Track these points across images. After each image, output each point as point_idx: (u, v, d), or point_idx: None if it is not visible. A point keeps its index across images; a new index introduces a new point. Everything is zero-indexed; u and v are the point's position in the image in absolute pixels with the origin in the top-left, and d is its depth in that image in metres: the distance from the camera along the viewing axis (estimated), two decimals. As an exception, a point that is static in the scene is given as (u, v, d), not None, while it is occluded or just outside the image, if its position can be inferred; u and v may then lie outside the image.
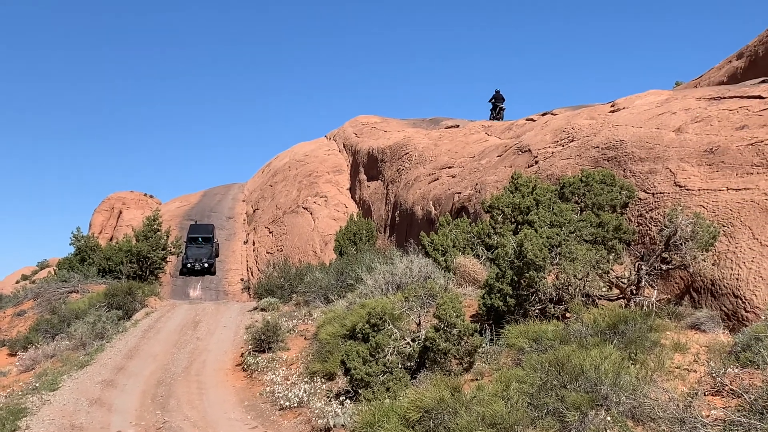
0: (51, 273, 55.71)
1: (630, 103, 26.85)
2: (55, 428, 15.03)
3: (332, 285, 27.42)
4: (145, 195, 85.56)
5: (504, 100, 51.25)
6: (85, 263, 44.61)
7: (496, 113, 51.16)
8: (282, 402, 16.65)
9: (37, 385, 19.76)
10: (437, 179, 40.37)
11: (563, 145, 27.34)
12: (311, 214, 56.29)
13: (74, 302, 33.83)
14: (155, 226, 45.36)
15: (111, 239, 67.11)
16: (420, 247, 24.16)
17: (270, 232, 59.33)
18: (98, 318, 28.30)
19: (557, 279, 14.75)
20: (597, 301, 14.71)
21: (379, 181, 52.09)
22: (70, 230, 63.18)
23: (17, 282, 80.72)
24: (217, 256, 51.63)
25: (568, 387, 10.29)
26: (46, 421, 15.51)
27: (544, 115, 37.36)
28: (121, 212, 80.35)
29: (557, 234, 15.75)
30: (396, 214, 45.47)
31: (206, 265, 48.97)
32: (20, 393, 19.16)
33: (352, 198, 57.41)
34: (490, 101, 51.98)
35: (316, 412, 14.76)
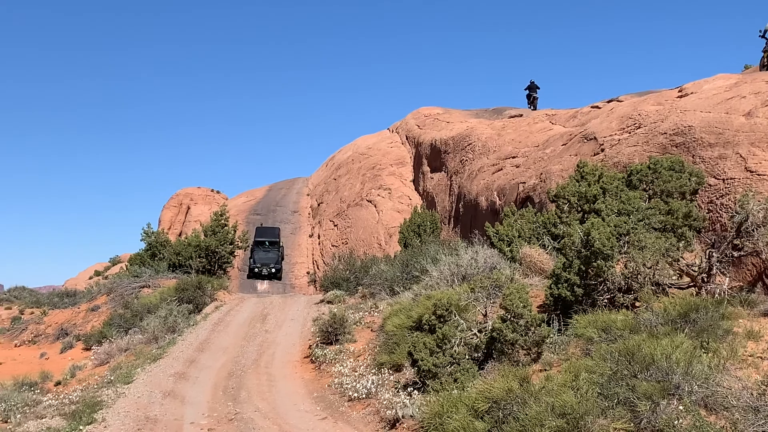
0: (123, 268, 56.83)
1: (698, 88, 26.32)
2: (131, 420, 15.32)
3: (397, 277, 27.45)
4: (212, 190, 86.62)
5: (538, 89, 53.27)
6: (156, 258, 45.40)
7: (531, 101, 53.44)
8: (350, 393, 16.74)
9: (112, 378, 20.15)
10: (501, 169, 40.10)
11: (630, 132, 26.94)
12: (375, 206, 56.38)
13: (146, 297, 34.45)
14: (222, 221, 45.95)
15: (180, 234, 68.15)
16: (485, 238, 24.07)
17: (335, 225, 59.60)
18: (170, 312, 28.78)
19: (626, 268, 14.55)
20: (667, 289, 14.48)
21: (443, 172, 51.94)
22: (141, 226, 64.28)
23: (90, 278, 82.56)
24: (282, 259, 51.63)
25: (639, 377, 10.16)
26: (122, 414, 15.81)
27: (609, 102, 36.84)
28: (189, 208, 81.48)
29: (625, 222, 15.55)
30: (460, 206, 45.31)
31: (273, 270, 48.95)
32: (96, 386, 19.57)
33: (415, 190, 57.34)
34: (525, 90, 54.22)
35: (385, 403, 14.81)
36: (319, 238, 61.01)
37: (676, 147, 22.29)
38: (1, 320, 51.29)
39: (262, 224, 57.51)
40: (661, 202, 17.56)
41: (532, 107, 53.05)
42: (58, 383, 24.28)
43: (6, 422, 17.71)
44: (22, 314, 51.52)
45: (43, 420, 15.98)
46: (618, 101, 35.50)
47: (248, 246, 49.04)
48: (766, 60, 35.18)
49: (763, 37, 32.27)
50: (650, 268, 14.21)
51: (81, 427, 14.44)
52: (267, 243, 50.04)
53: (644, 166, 19.75)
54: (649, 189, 18.91)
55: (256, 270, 48.14)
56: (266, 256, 49.13)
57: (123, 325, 29.98)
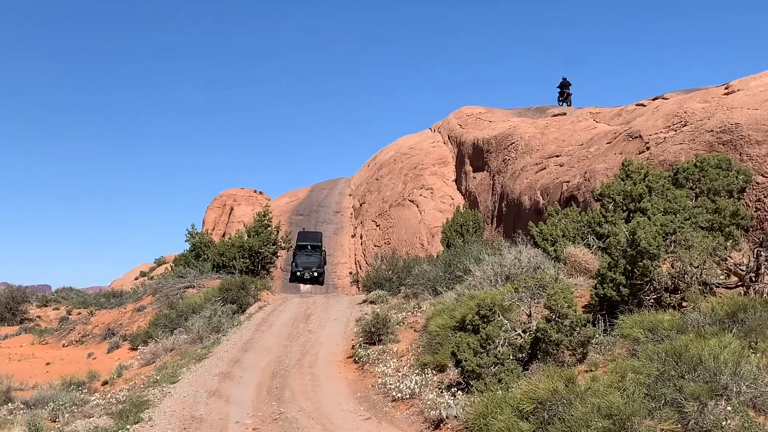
0: (168, 269, 57.46)
1: (745, 85, 25.95)
2: (177, 420, 15.46)
3: (440, 277, 27.39)
4: (255, 191, 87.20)
5: (570, 85, 54.28)
6: (200, 259, 45.79)
7: (564, 98, 54.42)
8: (394, 393, 16.73)
9: (158, 378, 20.35)
10: (544, 168, 39.89)
11: (676, 130, 26.64)
12: (417, 206, 56.36)
13: (191, 297, 34.77)
14: (265, 221, 46.23)
15: (223, 235, 68.66)
16: (528, 238, 23.92)
17: (377, 226, 59.68)
18: (214, 312, 29.00)
19: (672, 267, 14.38)
20: (714, 289, 14.28)
21: (485, 171, 51.77)
22: (185, 227, 64.98)
23: (136, 278, 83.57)
24: (324, 264, 51.60)
25: (686, 377, 10.03)
26: (168, 413, 15.96)
27: (654, 99, 36.42)
28: (232, 209, 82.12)
29: (671, 221, 15.37)
30: (503, 205, 45.14)
31: (315, 273, 48.83)
32: (142, 386, 19.78)
33: (457, 189, 57.21)
34: (557, 87, 55.15)
35: (429, 403, 14.78)
36: (361, 238, 61.14)
37: (723, 145, 22.01)
38: (49, 320, 52.14)
39: (304, 229, 57.59)
40: (708, 200, 17.35)
41: (567, 104, 54.00)
42: (105, 383, 24.58)
43: (54, 421, 17.96)
44: (70, 315, 52.32)
45: (91, 419, 16.18)
46: (663, 99, 35.08)
47: (291, 247, 49.21)
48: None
49: None
50: (697, 267, 14.03)
51: (128, 427, 14.60)
52: (309, 247, 50.13)
53: (691, 164, 19.52)
54: (696, 187, 18.69)
55: (299, 274, 48.16)
56: (308, 260, 49.17)
57: (168, 325, 30.26)
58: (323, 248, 52.69)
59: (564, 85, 54.61)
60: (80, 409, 18.49)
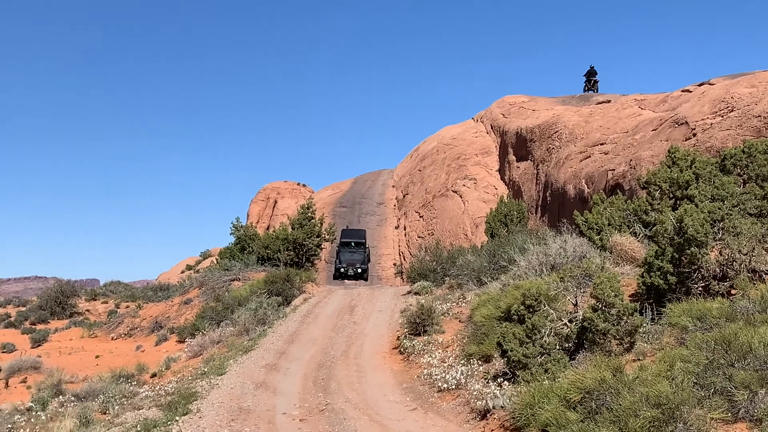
0: (214, 262, 58.01)
1: (793, 68, 25.45)
2: (224, 411, 15.59)
3: (485, 267, 27.30)
4: (298, 184, 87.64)
5: (597, 74, 57.06)
6: (245, 252, 46.13)
7: (591, 85, 57.72)
8: (440, 384, 16.72)
9: (206, 369, 20.54)
10: (589, 156, 39.56)
11: (723, 116, 26.27)
12: (461, 197, 56.22)
13: (236, 290, 35.05)
14: (309, 214, 46.39)
15: (267, 228, 69.18)
16: (573, 227, 23.76)
17: (420, 216, 59.65)
18: (259, 304, 29.19)
19: (720, 255, 14.19)
20: (764, 276, 14.07)
21: (529, 161, 51.49)
22: (230, 221, 65.48)
23: (182, 272, 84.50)
24: (368, 261, 50.96)
25: (736, 366, 9.89)
26: (216, 404, 16.10)
27: (700, 85, 35.92)
28: (276, 202, 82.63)
29: (719, 208, 15.16)
30: (547, 194, 44.87)
31: (359, 270, 48.07)
32: (190, 378, 19.98)
33: (501, 179, 56.98)
34: (584, 75, 58.19)
35: (475, 393, 14.74)
36: (405, 229, 61.16)
37: (772, 130, 21.64)
38: (98, 314, 52.94)
39: (348, 226, 57.38)
40: (757, 186, 17.08)
41: (594, 91, 56.94)
42: (153, 375, 24.88)
43: (105, 413, 18.22)
44: (118, 308, 53.08)
45: (140, 411, 16.37)
46: (710, 84, 34.59)
47: (334, 239, 49.31)
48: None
49: None
50: (746, 254, 13.83)
51: (177, 418, 14.74)
52: (353, 244, 49.64)
53: (738, 150, 19.24)
54: (744, 173, 18.42)
55: (342, 270, 47.65)
56: (352, 257, 48.63)
57: (215, 318, 30.54)
58: (367, 246, 52.08)
59: (591, 74, 57.28)
60: (130, 401, 18.73)
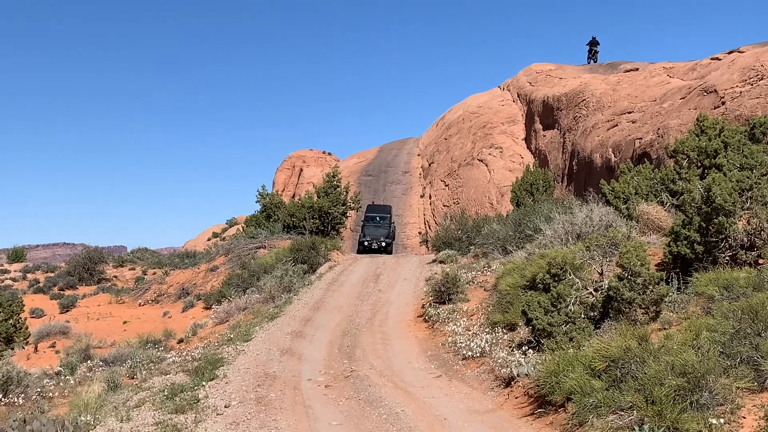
0: (240, 230, 58.30)
1: (826, 36, 25.05)
2: (250, 377, 15.73)
3: (510, 236, 27.25)
4: (324, 152, 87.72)
5: (598, 44, 59.93)
6: (271, 220, 46.28)
7: (591, 55, 59.95)
8: (464, 352, 16.77)
9: (232, 336, 20.70)
10: (616, 125, 39.25)
11: (752, 84, 25.94)
12: (486, 165, 56.03)
13: (262, 257, 35.22)
14: (334, 182, 46.41)
15: (293, 196, 69.34)
16: (600, 196, 23.61)
17: (446, 185, 59.54)
18: (285, 272, 29.33)
19: (749, 224, 14.07)
20: (793, 246, 13.94)
21: (555, 129, 51.17)
22: (256, 189, 65.71)
23: (209, 239, 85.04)
24: (393, 239, 49.55)
25: (763, 335, 9.85)
26: (242, 370, 16.25)
27: (730, 53, 35.41)
28: (301, 170, 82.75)
29: (748, 177, 15.02)
30: (573, 163, 44.62)
31: (383, 244, 46.34)
32: (216, 344, 20.15)
33: (527, 148, 56.69)
34: (587, 45, 60.59)
35: (499, 361, 14.78)
36: (430, 198, 61.10)
37: (803, 98, 21.34)
38: (125, 280, 53.42)
39: (373, 201, 56.63)
40: (786, 155, 16.88)
41: (593, 61, 59.65)
42: (180, 341, 25.12)
43: (132, 378, 18.43)
44: (145, 275, 53.53)
45: (167, 376, 16.55)
46: (739, 52, 34.09)
47: (359, 207, 49.21)
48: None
49: None
50: (775, 224, 13.71)
51: (203, 383, 14.89)
52: (378, 218, 48.47)
53: (768, 118, 19.00)
54: (773, 142, 18.20)
55: (366, 243, 46.22)
56: (376, 231, 47.20)
57: (241, 285, 30.73)
58: (393, 222, 51.09)
59: (593, 44, 60.00)
60: (157, 367, 18.93)
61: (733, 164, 17.04)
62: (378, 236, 46.30)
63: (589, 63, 60.21)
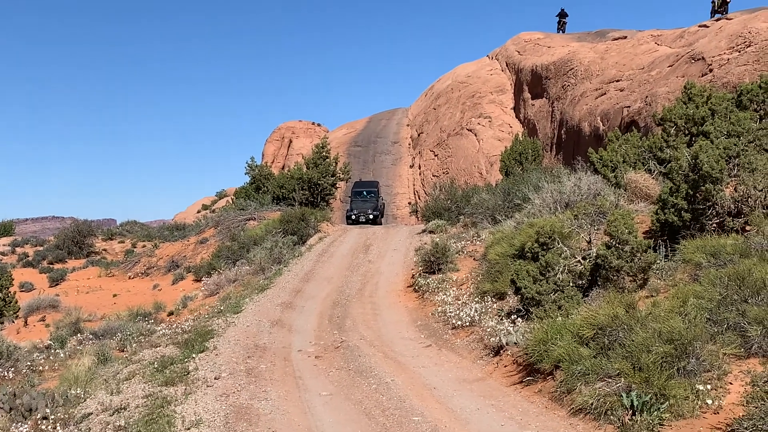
0: (229, 202, 58.24)
1: (814, 2, 25.01)
2: (241, 348, 15.75)
3: (499, 206, 27.28)
4: (313, 123, 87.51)
5: (567, 15, 63.24)
6: (260, 191, 46.19)
7: (560, 26, 63.37)
8: (454, 321, 16.83)
9: (222, 308, 20.70)
10: (604, 94, 39.21)
11: (740, 51, 25.91)
12: (475, 135, 55.97)
13: (252, 229, 35.19)
14: (324, 153, 46.28)
15: (283, 168, 69.25)
16: (588, 164, 23.63)
17: (435, 155, 59.49)
18: (275, 244, 29.32)
19: (736, 191, 14.11)
20: (779, 212, 13.98)
21: (544, 98, 51.09)
22: (245, 160, 65.62)
23: (198, 211, 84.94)
24: (382, 214, 48.67)
25: (750, 301, 9.91)
26: (232, 342, 16.26)
27: (718, 20, 35.33)
28: (291, 141, 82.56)
29: (735, 144, 15.03)
30: (562, 132, 44.62)
31: (371, 216, 45.22)
32: (207, 316, 20.15)
33: (516, 117, 56.61)
34: (556, 16, 63.86)
35: (488, 330, 14.85)
36: (419, 168, 61.06)
37: (790, 64, 21.33)
38: (115, 253, 53.34)
39: (361, 179, 55.68)
40: (774, 122, 16.89)
41: (562, 31, 63.11)
42: (170, 313, 25.13)
43: (122, 351, 18.43)
44: (135, 248, 53.45)
45: (158, 348, 16.55)
46: (727, 19, 34.02)
47: (349, 178, 49.07)
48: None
49: None
50: (761, 190, 13.74)
51: (194, 355, 14.91)
52: (365, 192, 47.57)
53: (755, 85, 19.00)
54: (761, 109, 18.23)
55: (353, 217, 45.26)
56: (364, 205, 46.16)
57: (230, 257, 30.71)
58: (381, 196, 50.20)
59: (562, 15, 63.20)
60: (147, 339, 18.93)
61: (720, 131, 17.06)
62: (365, 209, 45.53)
63: (558, 33, 62.96)
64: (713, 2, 42.94)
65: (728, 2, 45.80)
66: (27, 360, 18.68)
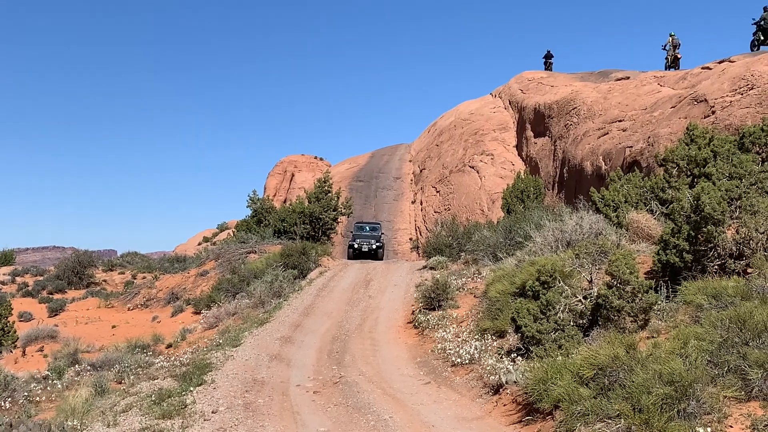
0: (230, 235, 58.23)
1: (816, 46, 25.19)
2: (239, 382, 15.70)
3: (500, 243, 27.28)
4: (316, 158, 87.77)
5: (553, 56, 66.49)
6: (262, 225, 46.23)
7: (547, 67, 66.21)
8: (453, 359, 16.77)
9: (221, 341, 20.65)
10: (607, 133, 39.34)
11: (742, 94, 26.03)
12: (478, 172, 56.09)
13: (252, 262, 35.19)
14: (326, 187, 46.36)
15: (284, 201, 69.34)
16: (590, 204, 23.65)
17: (437, 192, 59.58)
18: (275, 277, 29.31)
19: (737, 233, 14.10)
20: (781, 255, 13.97)
21: (546, 137, 51.26)
22: (247, 193, 65.80)
23: (199, 244, 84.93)
24: (383, 252, 47.18)
25: (750, 344, 9.87)
26: (230, 375, 16.21)
27: (721, 62, 35.53)
28: (293, 175, 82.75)
29: (737, 186, 15.05)
30: (564, 171, 44.71)
31: (374, 247, 44.33)
32: (205, 349, 20.10)
33: (518, 155, 56.76)
34: (543, 58, 67.11)
35: (488, 368, 14.78)
36: (421, 204, 61.12)
37: (792, 108, 21.42)
38: (114, 285, 53.30)
39: (362, 219, 54.56)
40: (775, 165, 16.92)
41: (548, 71, 65.87)
42: (169, 346, 25.06)
43: (120, 383, 18.37)
44: (135, 279, 53.42)
45: (156, 381, 16.50)
46: (730, 62, 34.21)
47: (351, 213, 49.09)
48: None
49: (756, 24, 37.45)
50: (763, 233, 13.74)
51: (191, 388, 14.85)
52: (367, 228, 47.06)
53: (757, 128, 19.07)
54: (763, 152, 18.28)
55: (356, 245, 44.09)
56: (367, 238, 45.07)
57: (230, 290, 30.70)
58: (382, 234, 48.77)
59: (548, 56, 66.28)
60: (145, 371, 18.88)
61: (723, 173, 17.09)
62: (369, 240, 44.75)
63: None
64: (666, 58, 45.13)
65: (679, 58, 47.41)
66: (24, 390, 18.61)
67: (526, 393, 12.09)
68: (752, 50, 37.11)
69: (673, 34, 47.48)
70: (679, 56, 48.32)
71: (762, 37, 38.52)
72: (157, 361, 20.33)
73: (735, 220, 14.37)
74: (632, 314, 13.07)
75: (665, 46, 46.25)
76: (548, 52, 67.24)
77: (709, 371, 9.64)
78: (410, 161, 72.21)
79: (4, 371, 19.14)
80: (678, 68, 45.61)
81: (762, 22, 37.99)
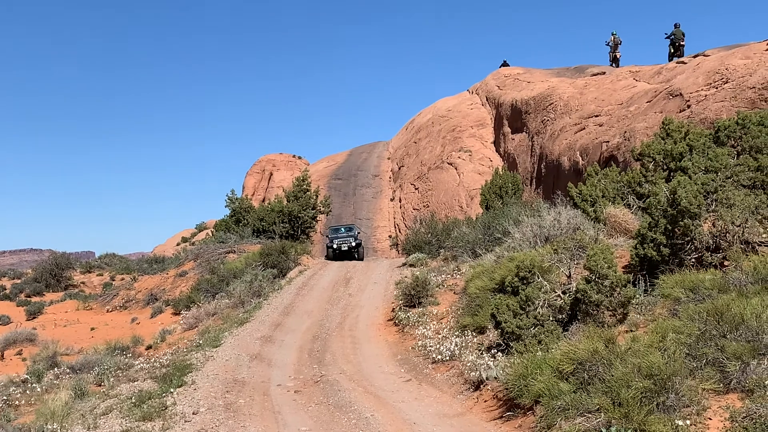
0: (209, 235, 58.01)
1: (788, 40, 25.39)
2: (219, 383, 15.65)
3: (479, 239, 27.35)
4: (294, 156, 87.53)
5: (508, 65, 67.19)
6: (240, 224, 46.06)
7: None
8: (434, 355, 16.80)
9: (201, 342, 20.58)
10: (584, 129, 39.49)
11: (717, 88, 26.20)
12: (456, 169, 56.17)
13: (232, 262, 35.07)
14: (304, 186, 46.28)
15: (263, 200, 69.11)
16: (568, 199, 23.74)
17: (415, 189, 59.60)
18: (255, 277, 29.24)
19: (714, 226, 14.21)
20: (757, 247, 14.08)
21: (524, 133, 51.40)
22: (225, 193, 65.51)
23: (178, 244, 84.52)
24: (362, 251, 45.79)
25: (728, 337, 9.94)
26: (211, 376, 16.17)
27: (695, 56, 35.74)
28: (271, 174, 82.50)
29: (713, 180, 15.15)
30: (542, 166, 44.85)
31: (354, 244, 43.29)
32: (185, 350, 20.03)
33: (496, 151, 56.89)
34: (500, 67, 68.05)
35: (468, 365, 14.82)
36: (400, 201, 61.13)
37: (766, 101, 21.61)
38: (93, 286, 52.95)
39: (337, 224, 52.92)
40: (750, 158, 17.03)
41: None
42: (149, 347, 24.92)
43: (100, 385, 18.26)
44: (113, 280, 53.12)
45: (135, 383, 16.43)
46: (704, 56, 34.42)
47: (330, 211, 49.01)
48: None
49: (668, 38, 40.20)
50: (739, 226, 13.85)
51: (171, 390, 14.80)
52: (343, 229, 46.11)
53: (732, 121, 19.19)
54: (738, 145, 18.38)
55: (335, 246, 42.95)
56: (344, 238, 43.98)
57: (210, 290, 30.58)
58: (359, 237, 47.02)
59: (504, 65, 67.92)
60: (125, 373, 18.78)
61: (698, 167, 17.19)
62: (347, 239, 43.68)
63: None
64: (670, 48, 45.67)
65: (619, 57, 48.32)
66: (3, 394, 18.46)
67: (507, 389, 12.13)
68: (669, 61, 40.01)
69: (614, 33, 48.34)
70: (618, 55, 49.10)
71: (672, 50, 40.28)
72: (137, 362, 20.23)
73: (711, 214, 14.47)
74: (611, 308, 13.14)
75: (608, 43, 48.29)
76: (504, 62, 69.03)
77: (688, 364, 9.70)
78: (389, 159, 72.20)
79: (-18, 376, 18.99)
80: (618, 66, 47.22)
81: (672, 37, 40.42)
